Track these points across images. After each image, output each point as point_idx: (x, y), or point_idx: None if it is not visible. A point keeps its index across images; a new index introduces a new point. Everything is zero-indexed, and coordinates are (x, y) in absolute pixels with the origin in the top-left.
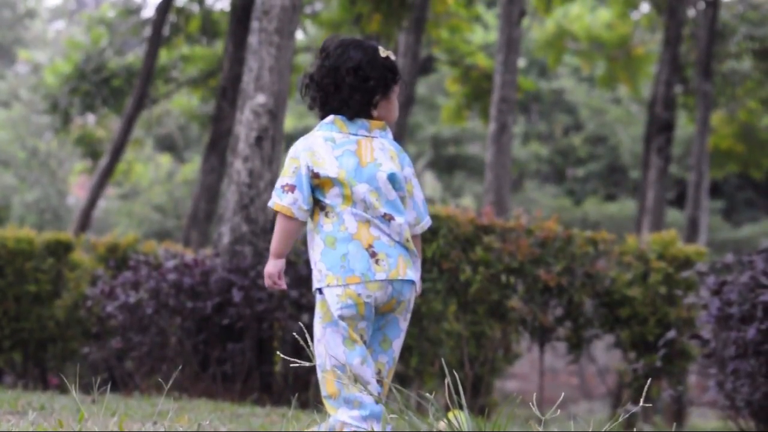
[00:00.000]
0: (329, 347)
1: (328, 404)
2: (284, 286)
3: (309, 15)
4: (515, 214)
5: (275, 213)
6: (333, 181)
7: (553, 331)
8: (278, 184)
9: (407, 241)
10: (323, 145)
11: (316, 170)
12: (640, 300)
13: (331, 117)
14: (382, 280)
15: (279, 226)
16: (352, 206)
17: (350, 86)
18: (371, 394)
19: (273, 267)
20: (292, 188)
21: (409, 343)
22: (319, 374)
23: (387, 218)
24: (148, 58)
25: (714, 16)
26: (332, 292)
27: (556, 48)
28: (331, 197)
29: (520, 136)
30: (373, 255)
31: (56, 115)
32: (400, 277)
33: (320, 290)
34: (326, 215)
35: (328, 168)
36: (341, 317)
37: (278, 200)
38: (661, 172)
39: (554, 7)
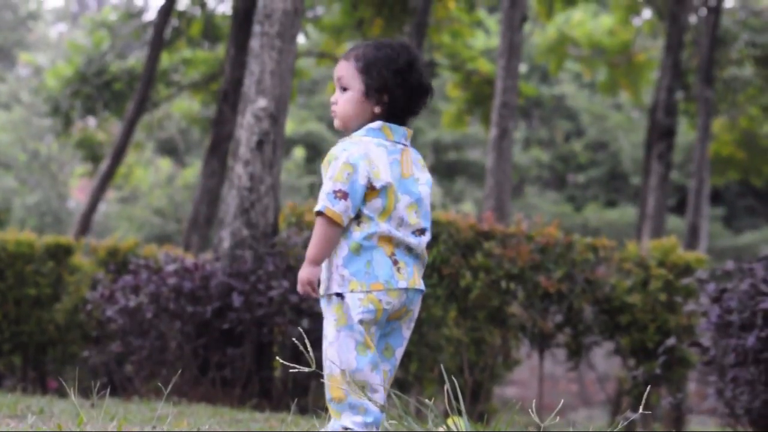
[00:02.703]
0: (341, 351)
1: (332, 408)
2: (318, 294)
3: (311, 19)
4: (516, 220)
5: (319, 216)
6: (380, 192)
7: (552, 338)
8: (329, 188)
9: (424, 250)
10: (377, 152)
11: (374, 183)
12: (640, 307)
13: (379, 123)
14: (402, 289)
15: (323, 231)
16: (388, 220)
17: (412, 90)
18: (376, 402)
19: (312, 274)
20: (344, 195)
21: (409, 348)
22: (326, 377)
23: (420, 233)
24: (150, 62)
25: (715, 22)
26: (354, 297)
27: (557, 54)
28: (370, 208)
29: (521, 142)
30: (395, 263)
31: (57, 118)
32: (415, 286)
33: (339, 294)
34: (358, 224)
35: (383, 178)
36: (360, 321)
37: (330, 205)
38: (662, 179)
39: (556, 13)
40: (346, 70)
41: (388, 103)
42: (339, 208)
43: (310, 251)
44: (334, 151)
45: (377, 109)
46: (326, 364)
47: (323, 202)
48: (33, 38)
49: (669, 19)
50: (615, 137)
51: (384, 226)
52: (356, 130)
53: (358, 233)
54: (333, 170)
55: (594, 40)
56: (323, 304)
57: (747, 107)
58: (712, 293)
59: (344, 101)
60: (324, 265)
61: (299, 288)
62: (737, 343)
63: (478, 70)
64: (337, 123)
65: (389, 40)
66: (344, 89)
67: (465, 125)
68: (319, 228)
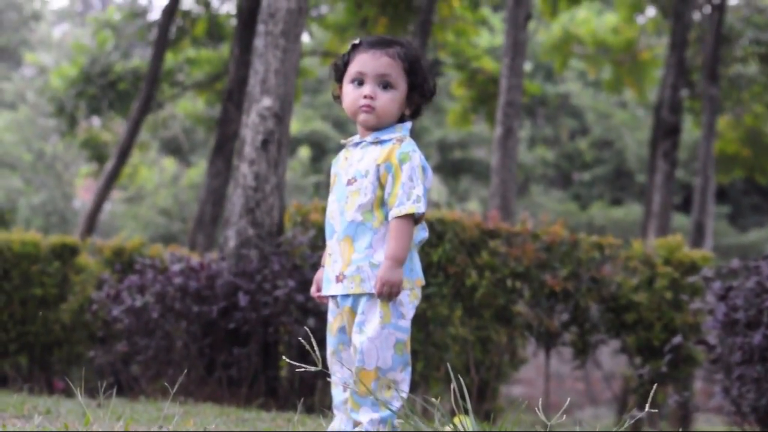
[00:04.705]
0: (380, 348)
1: (353, 399)
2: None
3: (315, 18)
4: (521, 219)
5: (414, 218)
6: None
7: (558, 336)
8: (420, 192)
9: None
10: None
11: (430, 188)
12: (646, 305)
13: (410, 124)
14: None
15: (410, 232)
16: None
17: (433, 93)
18: (397, 404)
19: (402, 275)
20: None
21: (415, 348)
22: (356, 371)
23: None
24: (154, 62)
25: (720, 20)
26: (405, 294)
27: (562, 52)
28: None
29: (526, 141)
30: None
31: (62, 118)
32: None
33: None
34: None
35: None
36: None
37: (424, 209)
38: (668, 177)
39: (560, 11)
40: (393, 69)
41: (417, 104)
42: (425, 209)
43: (399, 253)
44: (406, 150)
45: (408, 111)
46: (358, 357)
47: (423, 204)
48: (37, 38)
49: (673, 17)
50: (620, 135)
51: (427, 230)
52: (384, 128)
53: (415, 234)
54: (414, 172)
55: (598, 39)
56: (365, 302)
57: (752, 105)
58: (718, 291)
59: (389, 100)
60: (367, 263)
61: (384, 289)
62: (743, 341)
63: (482, 69)
64: (369, 118)
65: (402, 38)
66: (386, 86)
67: (470, 124)
68: (407, 229)
